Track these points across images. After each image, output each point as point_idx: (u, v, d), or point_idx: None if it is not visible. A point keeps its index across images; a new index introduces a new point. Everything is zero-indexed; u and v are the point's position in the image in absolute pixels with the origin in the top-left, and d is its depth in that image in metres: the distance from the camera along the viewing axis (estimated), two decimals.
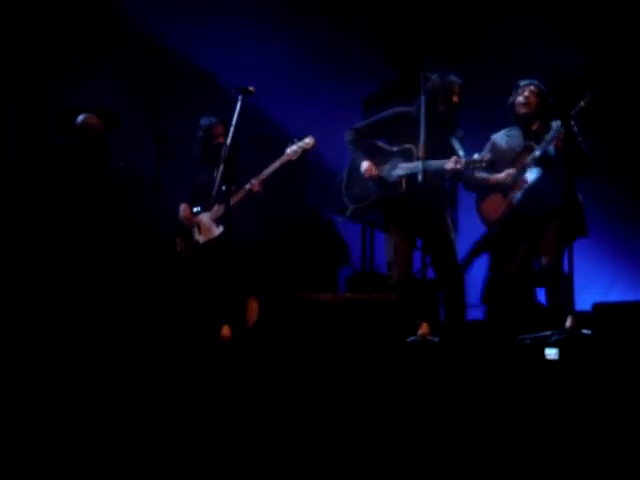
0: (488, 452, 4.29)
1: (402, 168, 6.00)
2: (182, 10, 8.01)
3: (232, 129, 6.15)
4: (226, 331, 6.20)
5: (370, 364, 5.21)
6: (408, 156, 5.99)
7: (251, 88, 6.26)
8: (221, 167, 6.17)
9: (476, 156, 5.87)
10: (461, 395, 4.62)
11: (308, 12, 8.23)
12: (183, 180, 6.74)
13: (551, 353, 4.91)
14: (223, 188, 6.17)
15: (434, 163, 5.87)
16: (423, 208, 5.87)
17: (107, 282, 6.30)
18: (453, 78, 6.12)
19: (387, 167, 6.07)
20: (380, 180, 6.08)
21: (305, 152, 6.32)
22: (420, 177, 5.78)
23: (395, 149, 6.08)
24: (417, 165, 5.82)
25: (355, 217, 6.69)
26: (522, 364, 4.89)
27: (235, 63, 7.95)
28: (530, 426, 4.28)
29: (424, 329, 6.04)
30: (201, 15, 8.08)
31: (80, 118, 6.54)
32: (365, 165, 6.12)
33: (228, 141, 6.14)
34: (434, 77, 6.07)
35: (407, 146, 6.01)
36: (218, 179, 6.17)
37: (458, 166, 5.84)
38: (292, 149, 6.29)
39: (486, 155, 5.86)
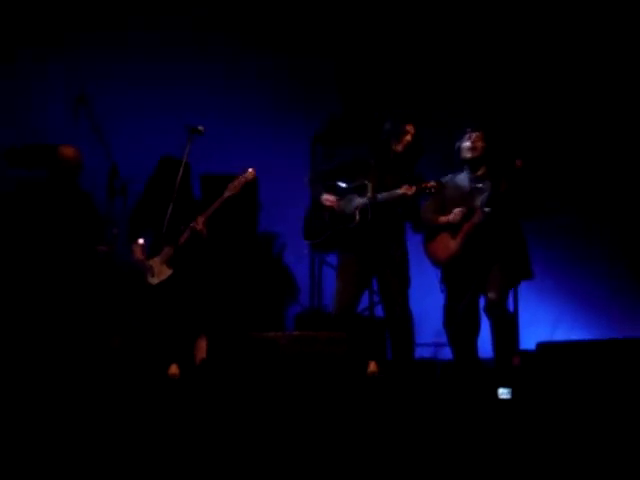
0: None
1: (356, 202, 6.06)
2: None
3: (182, 168, 6.16)
4: (174, 369, 6.21)
5: (318, 402, 5.23)
6: (363, 191, 6.06)
7: (200, 128, 6.28)
8: (171, 206, 6.18)
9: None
10: (409, 435, 4.63)
11: (257, 47, 8.30)
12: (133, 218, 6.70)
13: (504, 393, 4.98)
14: (177, 227, 6.20)
15: (385, 194, 5.95)
16: (376, 240, 5.95)
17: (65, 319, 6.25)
18: (405, 118, 6.20)
19: (343, 202, 6.14)
20: (336, 212, 6.14)
21: (245, 184, 6.33)
22: (369, 214, 5.89)
23: (351, 186, 6.15)
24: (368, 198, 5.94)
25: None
26: (475, 403, 4.95)
27: (182, 100, 8.00)
28: (484, 463, 4.30)
29: (372, 367, 6.10)
30: (150, 54, 8.13)
31: (59, 151, 6.43)
32: (325, 196, 6.19)
33: (178, 179, 6.15)
34: (386, 119, 6.16)
35: (362, 182, 6.08)
36: (167, 218, 6.18)
37: (409, 192, 5.91)
38: (232, 184, 6.30)
39: (433, 182, 5.92)
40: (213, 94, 8.12)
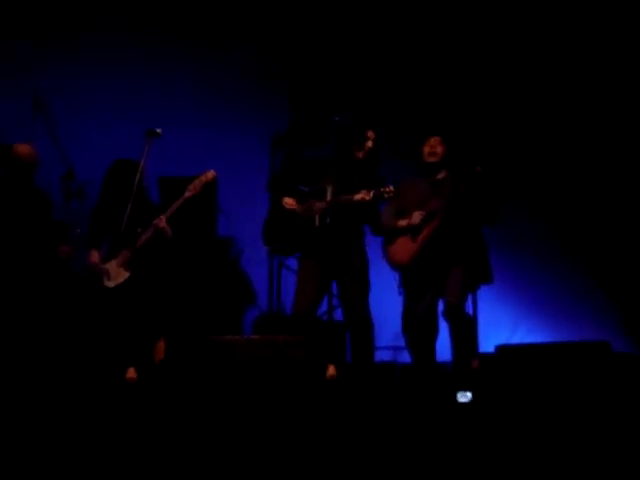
0: None
1: (316, 206, 6.05)
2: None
3: (139, 171, 6.11)
4: (131, 373, 6.15)
5: (277, 405, 5.21)
6: (323, 195, 6.05)
7: (158, 130, 6.24)
8: (128, 208, 6.12)
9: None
10: (367, 439, 4.63)
11: (217, 50, 8.28)
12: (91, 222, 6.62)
13: (463, 396, 4.99)
14: (134, 229, 6.15)
15: (343, 198, 5.95)
16: (335, 245, 5.95)
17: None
18: (366, 124, 6.21)
19: (303, 206, 6.12)
20: (296, 216, 6.12)
21: (204, 185, 6.30)
22: (328, 218, 5.89)
23: (311, 190, 6.14)
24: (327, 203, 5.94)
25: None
26: (435, 407, 4.96)
27: (140, 103, 7.95)
28: (443, 466, 4.30)
29: (331, 371, 6.08)
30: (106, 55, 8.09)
31: (14, 149, 6.36)
32: (285, 199, 6.17)
33: (136, 182, 6.10)
34: (346, 123, 6.15)
35: (322, 186, 6.07)
36: (125, 221, 6.12)
37: (367, 197, 5.92)
38: (193, 184, 6.27)
39: (389, 187, 5.93)
40: (171, 97, 8.09)
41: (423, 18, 8.16)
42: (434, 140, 6.15)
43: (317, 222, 6.01)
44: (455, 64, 8.08)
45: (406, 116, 7.90)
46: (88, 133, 7.76)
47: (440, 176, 6.12)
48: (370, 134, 6.18)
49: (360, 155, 6.17)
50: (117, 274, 6.29)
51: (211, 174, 6.28)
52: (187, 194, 6.25)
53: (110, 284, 6.28)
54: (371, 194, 5.88)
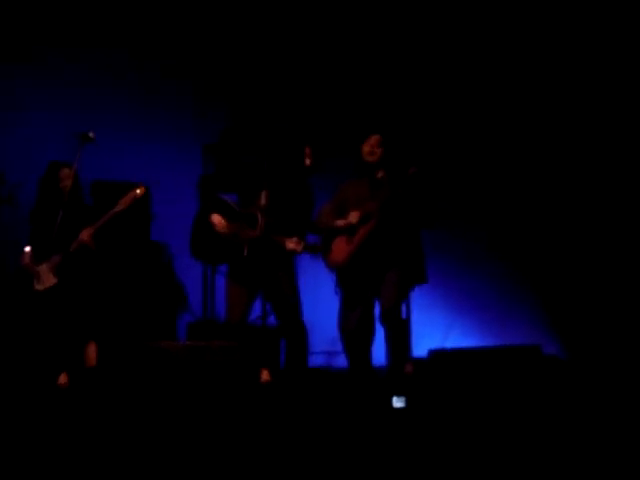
0: None
1: (246, 234, 6.00)
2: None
3: (71, 175, 6.06)
4: (63, 378, 6.09)
5: (211, 410, 5.20)
6: (253, 224, 6.00)
7: (91, 134, 6.19)
8: (60, 213, 6.07)
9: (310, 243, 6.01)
10: (302, 445, 4.64)
11: (155, 56, 8.24)
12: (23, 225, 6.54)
13: (398, 401, 5.03)
14: (67, 234, 6.11)
15: (273, 240, 5.95)
16: (265, 267, 5.96)
17: None
18: (304, 140, 6.24)
19: (234, 228, 6.07)
20: (226, 239, 6.07)
21: (135, 201, 6.28)
22: (245, 250, 5.91)
23: (243, 212, 6.09)
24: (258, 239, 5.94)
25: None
26: (369, 412, 4.98)
27: (74, 107, 7.88)
28: (378, 471, 4.32)
29: (265, 376, 6.08)
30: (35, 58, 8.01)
31: None
32: (215, 218, 6.10)
33: (68, 186, 6.06)
34: (282, 135, 6.17)
35: (253, 212, 6.03)
36: (57, 226, 6.08)
37: (298, 249, 5.94)
38: (123, 199, 6.25)
39: (318, 243, 5.99)
40: (106, 102, 8.03)
41: (356, 18, 8.19)
42: (374, 139, 6.14)
43: (245, 252, 5.97)
44: (393, 64, 8.14)
45: (345, 116, 7.94)
46: (21, 134, 7.68)
47: (378, 176, 6.14)
48: (308, 150, 6.20)
49: (297, 170, 6.18)
50: (46, 278, 6.24)
51: (141, 190, 6.26)
52: (117, 208, 6.24)
53: (39, 287, 6.23)
54: (302, 246, 5.91)
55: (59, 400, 5.68)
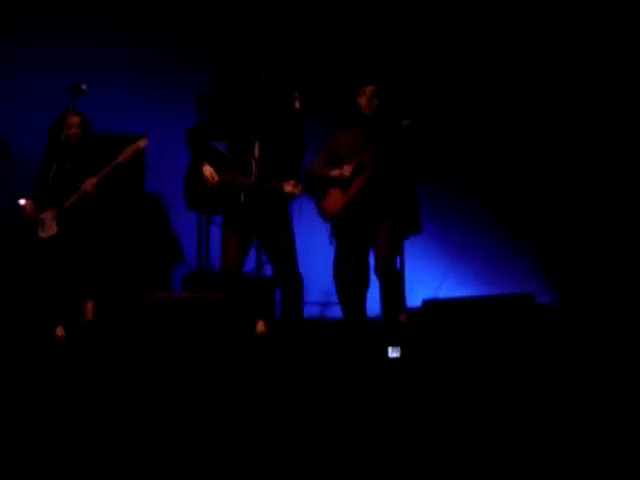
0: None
1: (241, 181, 5.99)
2: None
3: (64, 127, 6.04)
4: (60, 331, 6.12)
5: (207, 362, 5.22)
6: (247, 170, 5.99)
7: (83, 87, 6.15)
8: (54, 166, 6.07)
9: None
10: (298, 396, 4.66)
11: (138, 11, 8.17)
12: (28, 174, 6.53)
13: (393, 351, 5.06)
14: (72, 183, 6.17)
15: (271, 184, 5.93)
16: (260, 214, 5.95)
17: None
18: (293, 84, 6.20)
19: (228, 176, 6.06)
20: (220, 188, 6.07)
21: (136, 152, 6.27)
22: (243, 196, 5.91)
23: (235, 159, 6.07)
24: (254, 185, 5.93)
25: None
26: (365, 362, 5.00)
27: (65, 58, 7.82)
28: (378, 424, 4.35)
29: (260, 327, 6.11)
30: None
31: None
32: (207, 171, 6.09)
33: (62, 138, 6.04)
34: (273, 80, 6.13)
35: (246, 158, 6.01)
36: (51, 177, 6.07)
37: (296, 191, 5.93)
38: (126, 150, 6.23)
39: (316, 184, 5.98)
40: (99, 53, 7.97)
41: None
42: (369, 91, 6.12)
43: (242, 199, 5.97)
44: (387, 10, 8.07)
45: (338, 65, 7.90)
46: (9, 89, 7.64)
47: (374, 127, 6.12)
48: (297, 95, 6.17)
49: (288, 114, 6.15)
50: (49, 227, 6.23)
51: (143, 142, 6.26)
52: (119, 159, 6.23)
53: (43, 235, 6.24)
54: (299, 189, 5.90)
55: (55, 352, 5.71)
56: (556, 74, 7.82)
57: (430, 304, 5.74)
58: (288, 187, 5.91)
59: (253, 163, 5.95)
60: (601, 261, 7.46)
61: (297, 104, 6.15)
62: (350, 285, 6.09)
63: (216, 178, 6.05)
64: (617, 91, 7.60)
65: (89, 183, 6.18)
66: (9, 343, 5.69)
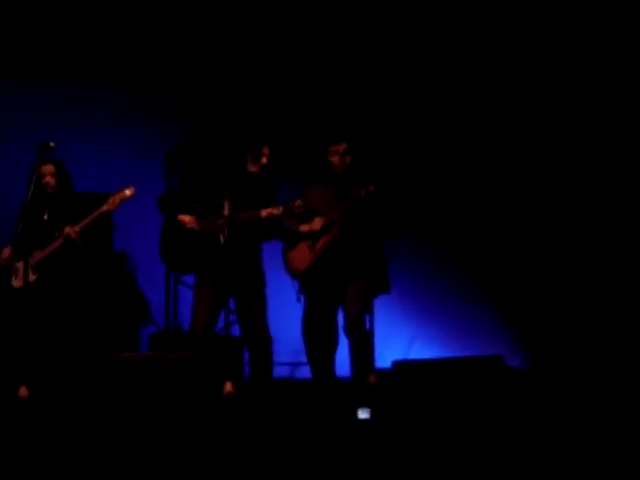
0: None
1: (219, 222, 6.00)
2: None
3: (32, 185, 6.00)
4: (23, 391, 6.02)
5: (174, 422, 5.17)
6: (220, 212, 6.02)
7: (51, 144, 6.14)
8: (46, 212, 6.06)
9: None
10: (267, 457, 4.62)
11: (108, 67, 8.20)
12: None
13: (363, 412, 5.03)
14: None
15: (247, 214, 5.94)
16: (234, 261, 5.93)
17: None
18: (261, 140, 6.21)
19: (203, 223, 6.06)
20: (195, 234, 6.06)
21: (123, 201, 6.22)
22: (222, 238, 5.90)
23: (206, 207, 6.09)
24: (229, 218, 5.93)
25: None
26: (334, 424, 4.97)
27: (34, 116, 7.83)
28: None
29: (228, 387, 6.06)
30: None
31: None
32: (185, 218, 6.09)
33: (28, 197, 6.01)
34: (242, 139, 6.16)
35: (219, 202, 6.04)
36: (41, 223, 6.05)
37: (275, 211, 5.93)
38: (112, 198, 6.18)
39: (298, 201, 5.96)
40: (67, 110, 7.97)
41: (319, 19, 8.18)
42: (341, 149, 6.16)
43: (222, 240, 5.97)
44: (357, 68, 8.15)
45: (306, 123, 7.95)
46: None
47: (345, 185, 6.14)
48: (265, 150, 6.19)
49: (254, 170, 6.16)
50: (27, 274, 6.12)
51: (130, 191, 6.19)
52: (104, 207, 6.16)
53: (18, 283, 6.16)
54: (280, 209, 5.90)
55: (19, 414, 5.61)
56: (532, 125, 7.92)
57: (400, 365, 5.74)
58: (266, 211, 5.92)
59: (225, 203, 5.96)
60: (570, 324, 7.50)
61: (264, 159, 6.16)
62: (319, 343, 6.07)
63: (194, 220, 6.05)
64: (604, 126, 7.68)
65: (72, 230, 6.11)
66: None
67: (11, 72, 8.02)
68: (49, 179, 6.26)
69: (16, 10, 8.07)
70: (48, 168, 6.25)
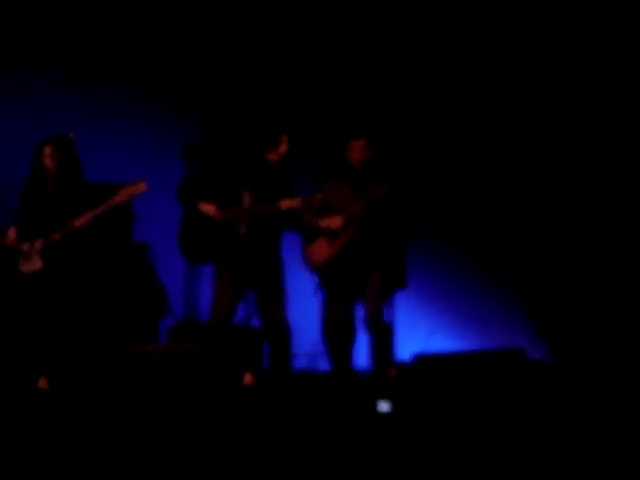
0: None
1: (238, 213, 6.01)
2: None
3: (49, 178, 6.00)
4: (43, 383, 6.02)
5: (193, 415, 5.17)
6: (239, 202, 6.01)
7: (71, 135, 6.13)
8: (49, 194, 6.04)
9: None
10: (286, 449, 4.61)
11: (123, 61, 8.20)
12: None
13: (384, 405, 5.02)
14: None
15: (267, 206, 5.93)
16: (254, 252, 5.92)
17: None
18: (280, 128, 6.20)
19: (223, 213, 6.06)
20: (215, 224, 6.07)
21: (133, 196, 6.19)
22: (242, 229, 5.88)
23: (228, 196, 6.08)
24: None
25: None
26: (354, 417, 4.96)
27: (50, 107, 7.84)
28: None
29: (247, 379, 6.06)
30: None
31: None
32: (206, 207, 6.08)
33: (48, 187, 6.00)
34: (260, 128, 6.15)
35: (239, 193, 6.03)
36: (45, 205, 6.02)
37: (295, 204, 5.91)
38: (123, 191, 6.14)
39: (318, 194, 5.94)
40: (85, 101, 7.97)
41: (338, 14, 8.14)
42: (359, 145, 6.15)
43: (242, 230, 5.97)
44: (375, 62, 8.11)
45: (325, 117, 7.93)
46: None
47: (363, 180, 6.13)
48: (284, 138, 6.17)
49: (274, 158, 6.15)
50: (34, 260, 6.09)
51: (142, 185, 6.13)
52: (115, 199, 6.10)
53: (26, 268, 6.09)
54: (300, 201, 5.89)
55: (38, 405, 5.62)
56: (546, 126, 7.88)
57: (420, 358, 5.73)
58: (286, 202, 5.90)
59: (245, 194, 5.95)
60: (592, 315, 7.46)
61: (283, 147, 6.14)
62: (337, 337, 6.08)
63: (215, 209, 6.04)
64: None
65: (82, 219, 6.06)
66: None
67: (28, 63, 8.03)
68: (47, 161, 6.18)
69: (33, 3, 8.08)
70: (46, 149, 6.18)
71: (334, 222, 6.05)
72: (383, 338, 6.01)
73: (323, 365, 6.55)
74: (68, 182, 6.17)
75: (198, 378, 5.62)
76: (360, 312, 6.09)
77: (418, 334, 7.52)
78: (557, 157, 7.85)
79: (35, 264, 6.07)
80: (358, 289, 6.04)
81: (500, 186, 7.94)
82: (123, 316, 7.20)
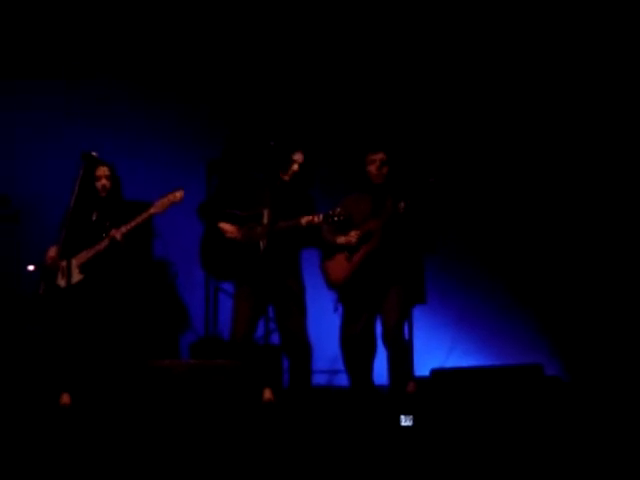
0: None
1: (259, 230, 6.05)
2: None
3: (75, 194, 6.06)
4: (65, 398, 6.06)
5: (214, 430, 5.20)
6: (259, 219, 6.06)
7: (94, 153, 6.19)
8: (94, 214, 6.14)
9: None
10: (309, 464, 4.63)
11: (150, 75, 8.28)
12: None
13: (406, 420, 5.04)
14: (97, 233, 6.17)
15: (287, 223, 5.97)
16: (274, 269, 5.98)
17: None
18: (292, 147, 6.23)
19: (243, 231, 6.11)
20: (236, 242, 6.12)
21: (172, 204, 6.21)
22: (262, 246, 5.94)
23: (248, 214, 6.13)
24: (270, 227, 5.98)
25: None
26: (374, 431, 4.97)
27: (78, 125, 7.92)
28: None
29: (267, 395, 6.09)
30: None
31: None
32: (225, 226, 6.15)
33: (71, 205, 6.05)
34: (273, 146, 6.18)
35: (259, 210, 6.08)
36: (88, 224, 6.11)
37: (315, 219, 5.94)
38: (160, 201, 6.16)
39: (339, 208, 5.95)
40: (110, 120, 8.06)
41: (359, 28, 8.20)
42: (379, 159, 6.18)
43: (262, 247, 6.01)
44: (395, 77, 8.17)
45: (347, 132, 7.97)
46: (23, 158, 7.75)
47: (383, 195, 6.14)
48: (297, 157, 6.19)
49: (286, 179, 6.19)
50: (73, 274, 6.14)
51: (180, 194, 6.14)
52: (152, 210, 6.12)
53: (63, 283, 6.15)
54: (320, 216, 5.91)
55: (60, 420, 5.66)
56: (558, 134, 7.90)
57: (439, 373, 5.73)
58: (306, 218, 5.93)
59: (264, 212, 6.00)
60: (608, 333, 7.44)
61: (295, 167, 6.15)
62: (357, 353, 6.08)
63: (234, 229, 6.10)
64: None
65: (119, 231, 6.11)
66: (10, 409, 5.65)
67: (58, 77, 8.15)
68: (105, 182, 6.22)
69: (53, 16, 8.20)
70: (104, 170, 6.24)
71: (350, 237, 6.06)
72: (402, 354, 6.00)
73: (342, 381, 6.56)
74: (115, 201, 6.27)
75: (219, 393, 5.64)
76: (379, 328, 6.10)
77: (437, 350, 7.55)
78: (580, 179, 7.84)
79: (75, 277, 6.14)
80: (377, 305, 6.05)
81: (520, 204, 7.95)
82: (145, 332, 7.24)
